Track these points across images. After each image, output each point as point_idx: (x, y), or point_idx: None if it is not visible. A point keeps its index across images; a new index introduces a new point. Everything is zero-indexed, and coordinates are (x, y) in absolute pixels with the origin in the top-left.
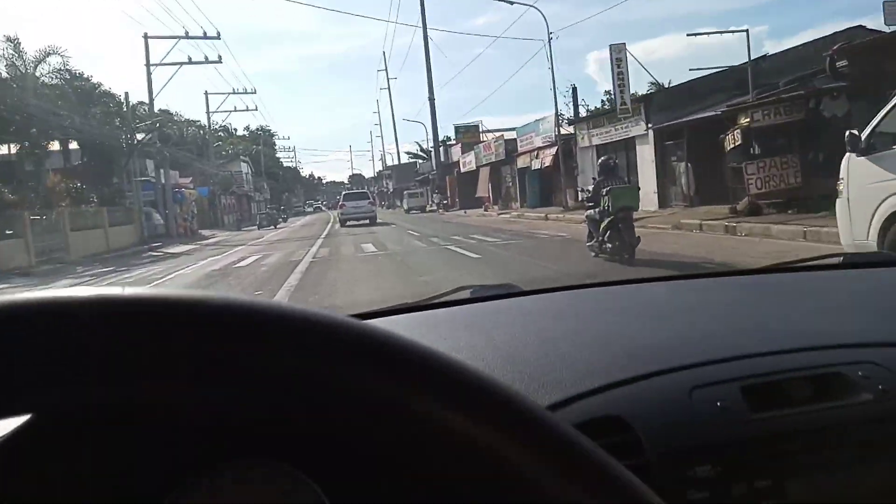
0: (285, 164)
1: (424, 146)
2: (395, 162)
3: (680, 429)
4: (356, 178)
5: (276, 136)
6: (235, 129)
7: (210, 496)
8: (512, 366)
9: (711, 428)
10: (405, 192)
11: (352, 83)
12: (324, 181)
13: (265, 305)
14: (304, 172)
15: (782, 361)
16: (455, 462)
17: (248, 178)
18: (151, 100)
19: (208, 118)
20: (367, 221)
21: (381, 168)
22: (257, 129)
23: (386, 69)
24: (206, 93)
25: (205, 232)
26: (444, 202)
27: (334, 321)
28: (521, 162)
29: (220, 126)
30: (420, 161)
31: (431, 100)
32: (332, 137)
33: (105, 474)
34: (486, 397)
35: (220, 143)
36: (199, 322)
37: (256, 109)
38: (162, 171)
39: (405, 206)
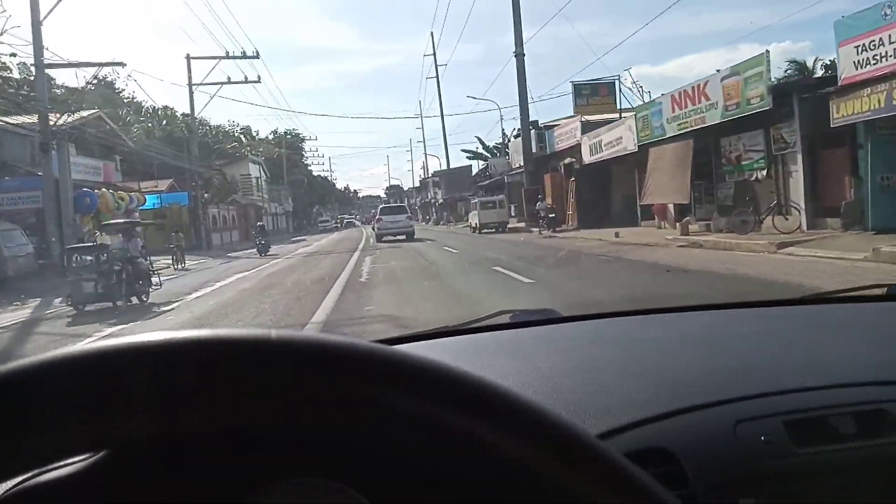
0: (315, 173)
1: (489, 143)
2: (444, 167)
3: (725, 462)
4: (394, 191)
5: (306, 139)
6: (258, 132)
7: None
8: (557, 394)
9: (756, 461)
10: (473, 202)
11: (389, 98)
12: (359, 194)
13: (321, 340)
14: (339, 185)
15: (826, 397)
16: (507, 486)
17: (262, 184)
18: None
19: (191, 98)
20: (404, 237)
21: (422, 175)
22: (286, 133)
23: (434, 52)
24: (187, 56)
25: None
26: (550, 215)
27: (398, 357)
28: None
29: (240, 127)
30: (481, 162)
31: (519, 55)
32: (368, 155)
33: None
34: (541, 426)
35: (235, 143)
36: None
37: (259, 81)
38: (73, 160)
39: (474, 223)
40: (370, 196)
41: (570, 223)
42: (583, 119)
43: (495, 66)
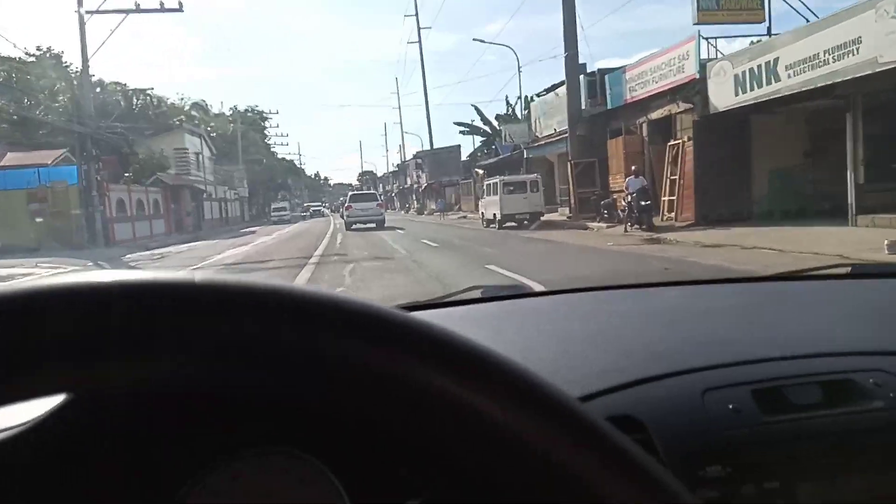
0: (280, 155)
1: (488, 114)
2: (427, 147)
3: (692, 430)
4: (367, 177)
5: (267, 116)
6: (210, 106)
7: (229, 483)
8: (527, 363)
9: (723, 430)
10: (490, 182)
11: (362, 88)
12: (330, 182)
13: (294, 290)
14: (309, 171)
15: (794, 366)
16: (483, 450)
17: (203, 161)
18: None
19: (81, 31)
20: (374, 225)
21: (400, 160)
22: (246, 111)
23: (416, 11)
24: None
25: None
26: (644, 203)
27: (369, 308)
28: None
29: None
30: (478, 138)
31: None
32: (340, 143)
33: (128, 460)
34: (521, 386)
35: (182, 117)
36: (218, 303)
37: (180, 10)
38: None
39: (490, 213)
40: (342, 184)
41: (680, 215)
42: (709, 40)
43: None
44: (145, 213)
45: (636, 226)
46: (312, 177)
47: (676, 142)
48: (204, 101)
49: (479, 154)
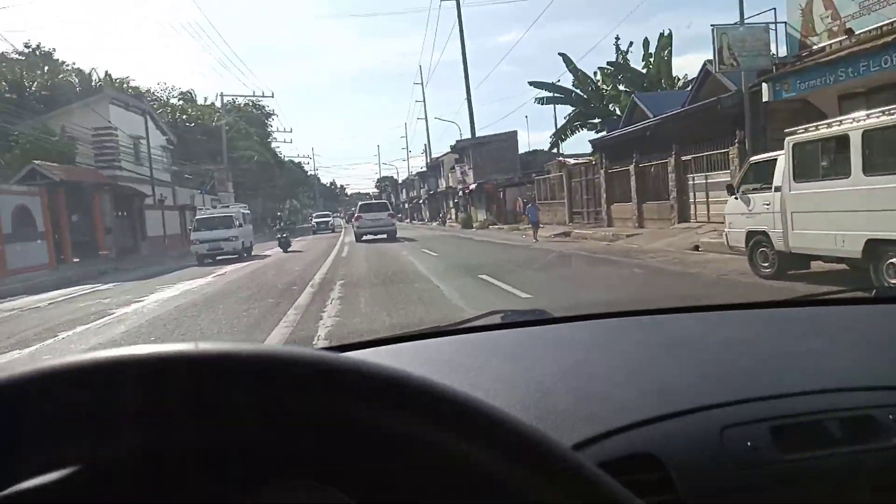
0: (285, 157)
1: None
2: (468, 136)
3: (711, 468)
4: (386, 183)
5: (272, 113)
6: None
7: None
8: (546, 398)
9: (742, 468)
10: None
11: (380, 98)
12: (347, 191)
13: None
14: (325, 180)
15: (812, 402)
16: (479, 495)
17: (137, 149)
18: None
19: None
20: (385, 236)
21: (426, 160)
22: (246, 104)
23: None
24: None
25: None
26: None
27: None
28: None
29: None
30: (569, 108)
31: None
32: (357, 149)
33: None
34: (511, 436)
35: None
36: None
37: None
38: None
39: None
40: (360, 193)
41: None
42: None
43: None
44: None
45: None
46: (328, 185)
47: None
48: (192, 90)
49: (568, 131)
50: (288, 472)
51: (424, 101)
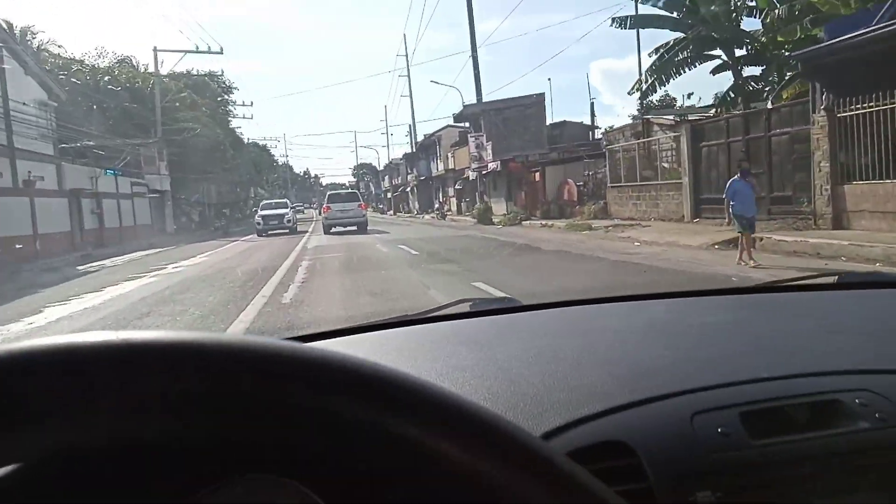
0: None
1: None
2: (474, 100)
3: (682, 454)
4: (363, 171)
5: (232, 87)
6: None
7: None
8: (515, 386)
9: (712, 454)
10: None
11: (359, 85)
12: (321, 180)
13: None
14: (299, 170)
15: (781, 387)
16: (449, 486)
17: (27, 111)
18: None
19: None
20: (355, 228)
21: (410, 138)
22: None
23: None
24: None
25: None
26: None
27: (328, 358)
28: None
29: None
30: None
31: None
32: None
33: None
34: (479, 426)
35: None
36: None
37: None
38: None
39: None
40: (336, 183)
41: None
42: None
43: None
44: None
45: None
46: (301, 175)
47: None
48: (133, 56)
49: (672, 70)
50: (246, 465)
51: (409, 67)
